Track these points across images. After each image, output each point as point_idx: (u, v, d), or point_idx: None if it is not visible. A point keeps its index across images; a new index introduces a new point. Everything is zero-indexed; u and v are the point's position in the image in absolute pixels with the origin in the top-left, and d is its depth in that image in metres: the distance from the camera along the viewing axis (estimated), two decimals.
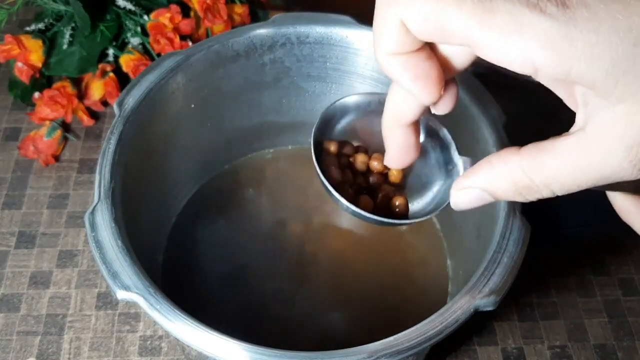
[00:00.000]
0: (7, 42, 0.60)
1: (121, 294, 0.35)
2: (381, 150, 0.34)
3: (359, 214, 0.32)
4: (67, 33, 0.62)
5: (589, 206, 0.54)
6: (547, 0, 0.21)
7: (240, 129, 0.53)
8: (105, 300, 0.52)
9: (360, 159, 0.35)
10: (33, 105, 0.62)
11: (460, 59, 0.26)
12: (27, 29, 0.63)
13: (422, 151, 0.33)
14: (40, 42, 0.61)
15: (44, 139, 0.60)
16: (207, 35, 0.63)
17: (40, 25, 0.63)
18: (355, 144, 0.36)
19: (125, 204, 0.40)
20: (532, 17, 0.21)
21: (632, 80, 0.21)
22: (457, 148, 0.34)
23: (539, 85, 0.27)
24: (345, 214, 0.55)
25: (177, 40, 0.60)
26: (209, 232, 0.52)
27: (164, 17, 0.60)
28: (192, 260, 0.50)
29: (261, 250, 0.51)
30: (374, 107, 0.34)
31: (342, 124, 0.36)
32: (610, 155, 0.22)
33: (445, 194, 0.34)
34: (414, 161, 0.32)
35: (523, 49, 0.21)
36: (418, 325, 0.34)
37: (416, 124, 0.30)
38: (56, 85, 0.62)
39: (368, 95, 0.35)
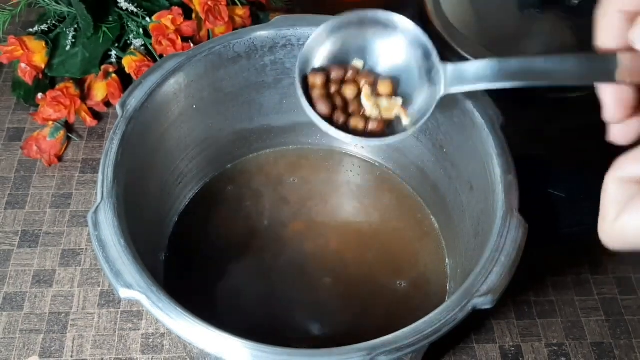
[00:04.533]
0: (11, 43, 0.61)
1: (124, 293, 0.35)
2: (379, 62, 0.36)
3: (349, 138, 0.35)
4: (70, 34, 0.62)
5: (587, 206, 0.54)
6: None
7: (241, 129, 0.54)
8: (108, 299, 0.52)
9: (348, 91, 0.37)
10: (36, 105, 0.63)
11: None
12: (30, 30, 0.63)
13: (406, 61, 0.36)
14: (43, 44, 0.62)
15: (47, 139, 0.60)
16: (209, 37, 0.64)
17: (43, 27, 0.63)
18: (358, 62, 0.37)
19: (127, 204, 0.40)
20: None
21: None
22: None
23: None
24: (345, 212, 0.55)
25: (179, 41, 0.60)
26: (210, 231, 0.52)
27: (166, 19, 0.61)
28: (194, 259, 0.51)
29: (262, 249, 0.51)
30: (369, 22, 0.36)
31: (332, 48, 0.37)
32: None
33: (428, 103, 0.35)
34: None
35: None
36: (417, 323, 0.34)
37: None
38: (59, 86, 0.62)
39: (353, 15, 0.36)
